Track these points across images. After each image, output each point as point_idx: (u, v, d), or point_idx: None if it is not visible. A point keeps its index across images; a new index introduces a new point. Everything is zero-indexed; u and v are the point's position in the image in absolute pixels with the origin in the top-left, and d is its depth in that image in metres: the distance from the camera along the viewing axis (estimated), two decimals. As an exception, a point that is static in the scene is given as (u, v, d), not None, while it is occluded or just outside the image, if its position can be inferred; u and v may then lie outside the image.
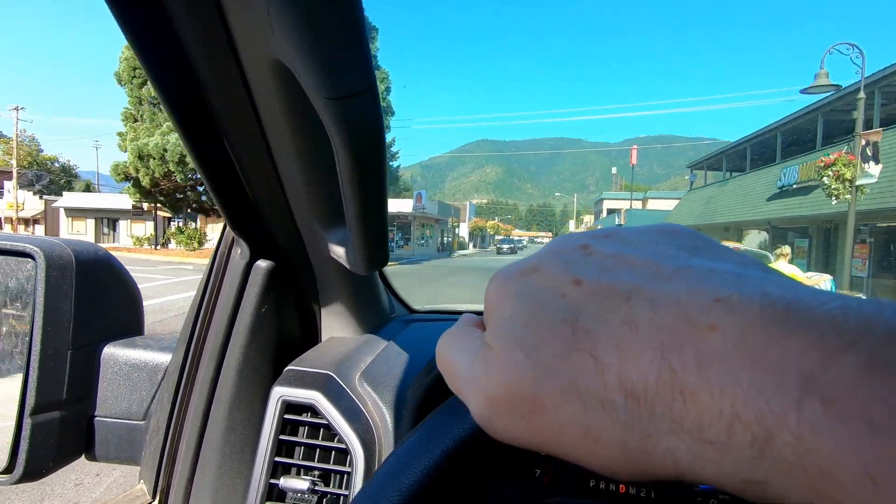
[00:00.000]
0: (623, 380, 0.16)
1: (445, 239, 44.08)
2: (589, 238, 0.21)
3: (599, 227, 0.25)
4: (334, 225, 0.56)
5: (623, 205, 48.55)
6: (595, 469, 0.17)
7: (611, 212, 52.77)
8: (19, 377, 0.61)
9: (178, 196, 18.87)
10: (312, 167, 0.49)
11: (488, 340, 0.20)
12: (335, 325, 0.74)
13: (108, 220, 35.97)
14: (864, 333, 0.13)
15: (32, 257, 0.61)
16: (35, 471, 0.59)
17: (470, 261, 30.09)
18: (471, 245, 57.40)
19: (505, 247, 46.01)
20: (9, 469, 0.57)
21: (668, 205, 39.93)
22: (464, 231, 57.52)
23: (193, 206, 20.00)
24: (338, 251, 0.55)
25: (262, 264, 0.61)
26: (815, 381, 0.13)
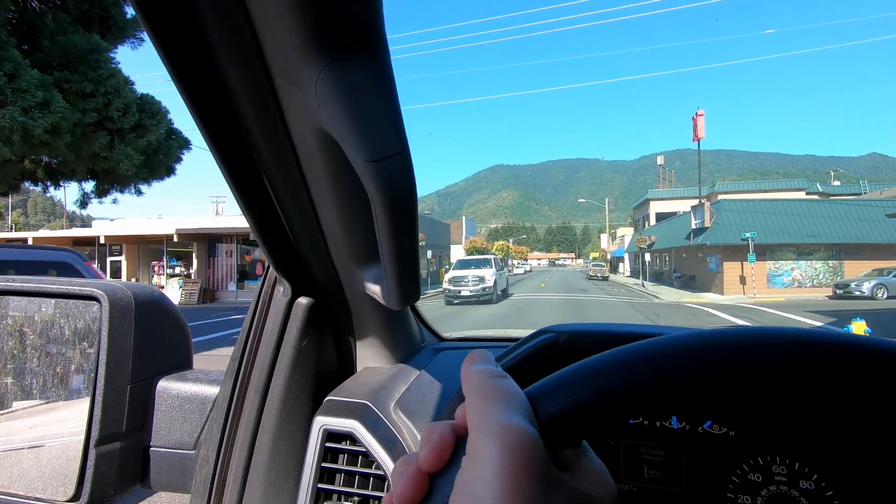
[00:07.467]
0: None
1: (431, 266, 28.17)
2: None
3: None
4: (369, 265, 0.61)
5: (678, 206, 38.28)
6: None
7: (662, 217, 38.85)
8: (80, 403, 0.67)
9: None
10: (350, 216, 0.55)
11: None
12: (370, 355, 0.78)
13: None
14: None
15: (98, 300, 0.67)
16: (98, 499, 0.63)
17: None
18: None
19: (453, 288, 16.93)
20: (76, 497, 0.62)
21: (744, 197, 28.67)
22: (459, 254, 39.40)
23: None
24: (373, 288, 0.60)
25: (303, 301, 0.66)
26: None
